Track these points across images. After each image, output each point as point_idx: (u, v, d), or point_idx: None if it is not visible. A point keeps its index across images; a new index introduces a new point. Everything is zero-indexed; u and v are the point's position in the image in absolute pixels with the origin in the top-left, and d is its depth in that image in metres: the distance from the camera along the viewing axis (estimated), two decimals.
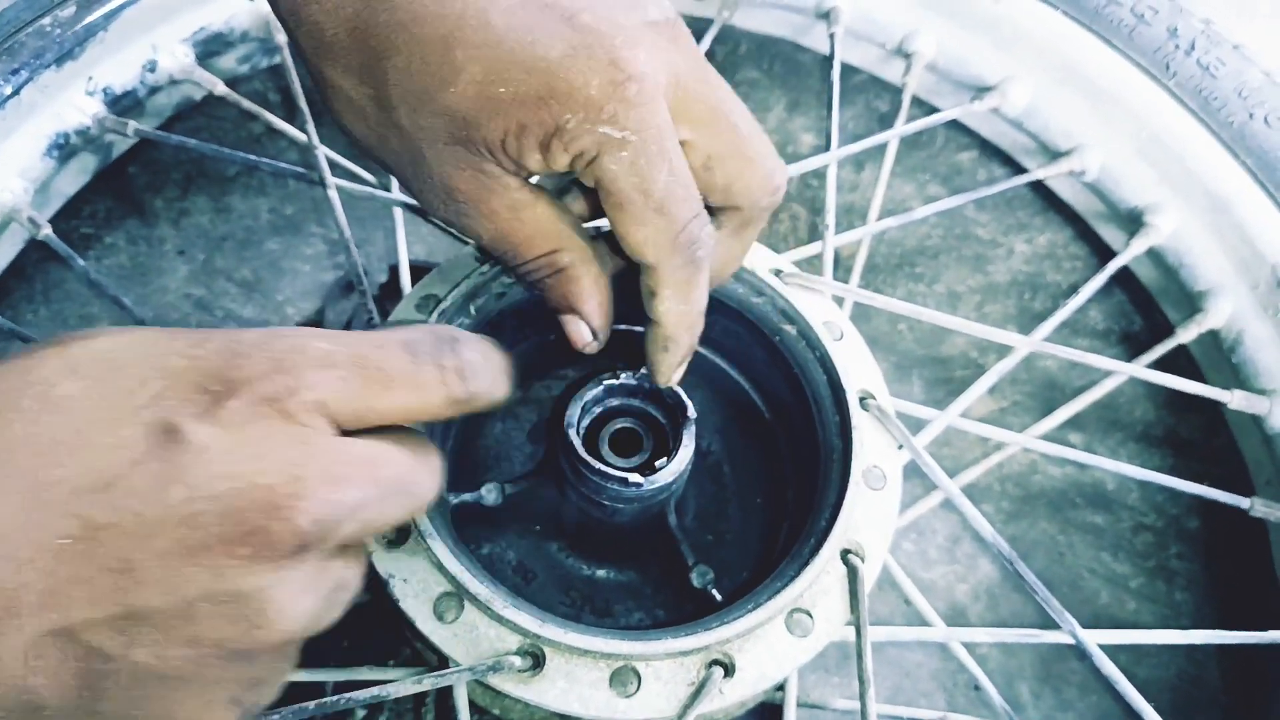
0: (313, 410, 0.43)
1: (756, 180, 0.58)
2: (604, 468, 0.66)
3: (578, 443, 0.67)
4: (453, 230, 0.58)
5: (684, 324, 0.60)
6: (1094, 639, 0.72)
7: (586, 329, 0.60)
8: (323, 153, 0.87)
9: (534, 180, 0.57)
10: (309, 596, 0.43)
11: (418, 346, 0.47)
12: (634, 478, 0.66)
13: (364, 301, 0.78)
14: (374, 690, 0.63)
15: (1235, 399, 0.86)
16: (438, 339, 0.48)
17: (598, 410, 0.71)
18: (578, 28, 0.51)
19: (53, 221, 0.94)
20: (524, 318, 0.80)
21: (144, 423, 0.40)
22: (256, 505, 0.40)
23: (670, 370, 0.63)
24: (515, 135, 0.51)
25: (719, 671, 0.63)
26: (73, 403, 0.40)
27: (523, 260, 0.57)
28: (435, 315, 0.73)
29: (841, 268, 1.03)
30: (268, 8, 0.96)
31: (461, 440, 0.82)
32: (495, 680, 0.61)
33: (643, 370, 0.70)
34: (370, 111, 0.54)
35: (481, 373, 0.49)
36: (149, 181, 1.08)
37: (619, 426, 0.71)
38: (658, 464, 0.67)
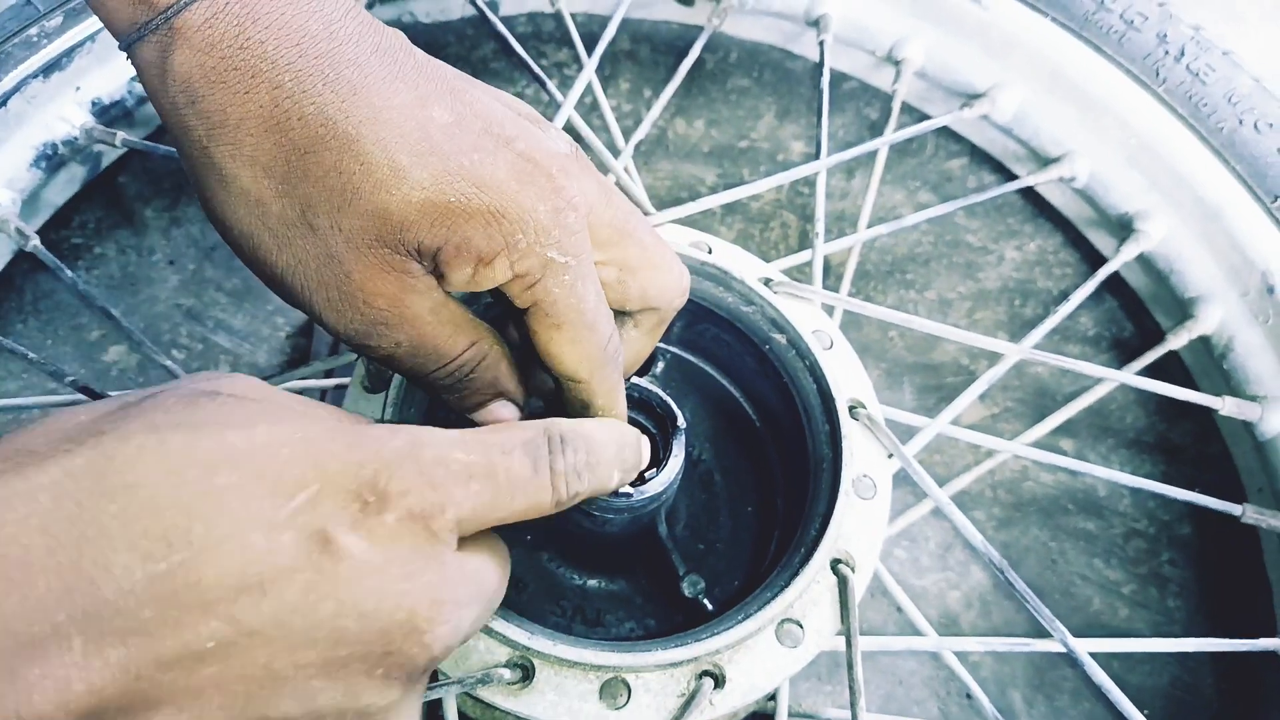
0: (453, 528, 0.44)
1: (669, 283, 0.61)
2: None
3: None
4: (353, 349, 0.54)
5: (618, 419, 0.62)
6: (1085, 647, 0.71)
7: (513, 407, 0.59)
8: None
9: None
10: (419, 710, 0.46)
11: (537, 450, 0.48)
12: (624, 487, 0.66)
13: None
14: None
15: (1226, 405, 0.86)
16: (549, 439, 0.49)
17: None
18: (519, 153, 0.51)
19: (42, 232, 0.94)
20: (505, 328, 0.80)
21: (299, 528, 0.40)
22: (400, 627, 0.41)
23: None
24: (455, 247, 0.50)
25: (709, 683, 0.63)
26: (231, 497, 0.39)
27: (448, 359, 0.55)
28: None
29: (832, 275, 1.03)
30: None
31: None
32: (484, 693, 0.61)
33: (633, 378, 0.70)
34: (273, 209, 0.49)
35: (584, 472, 0.51)
36: (139, 191, 1.08)
37: None
38: (648, 474, 0.67)
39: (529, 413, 0.61)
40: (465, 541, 0.46)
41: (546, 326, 0.54)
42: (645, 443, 0.58)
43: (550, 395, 0.62)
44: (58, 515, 0.37)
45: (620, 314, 0.62)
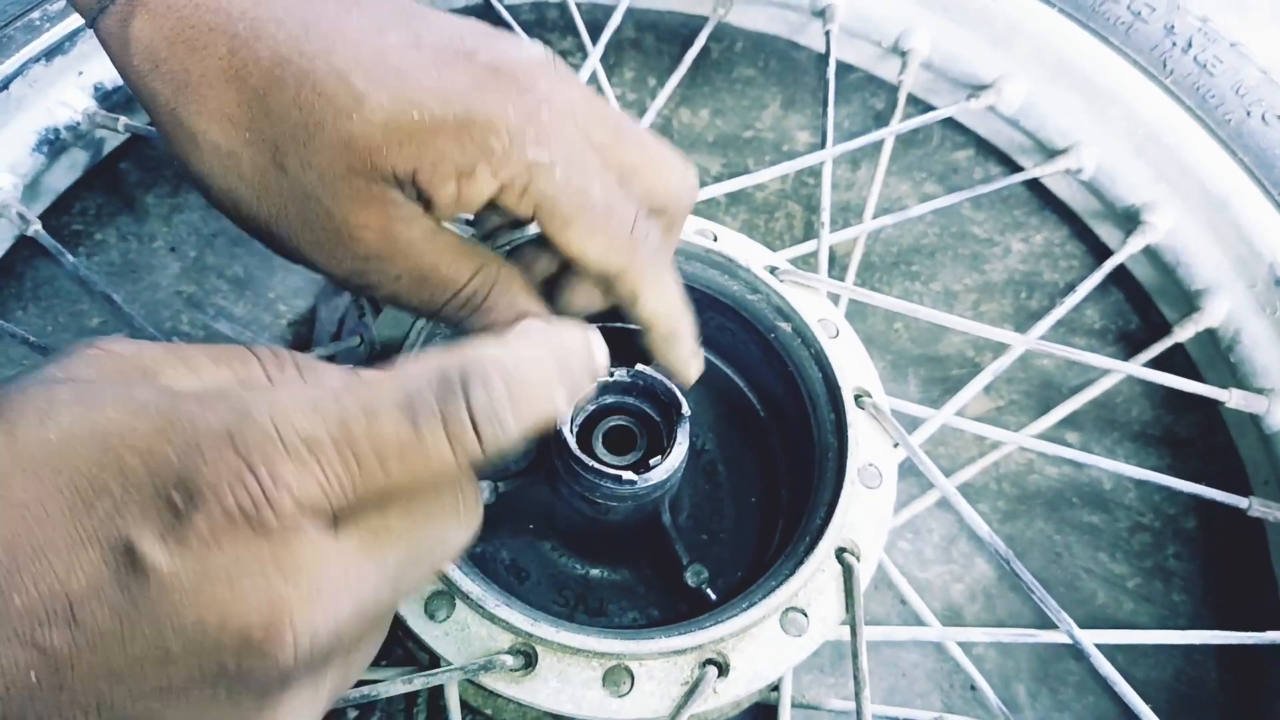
0: (293, 514, 0.37)
1: (674, 181, 0.57)
2: (598, 466, 0.66)
3: (571, 441, 0.67)
4: (355, 292, 0.53)
5: (675, 313, 0.59)
6: (1091, 639, 0.71)
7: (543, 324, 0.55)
8: None
9: None
10: (305, 714, 0.40)
11: (417, 402, 0.38)
12: (628, 476, 0.66)
13: (357, 297, 0.78)
14: (365, 690, 0.62)
15: (1233, 398, 0.85)
16: (445, 381, 0.39)
17: (591, 408, 0.70)
18: (478, 64, 0.50)
19: (43, 218, 0.93)
20: None
21: (104, 544, 0.35)
22: (231, 646, 0.36)
23: (688, 363, 0.62)
24: (432, 163, 0.48)
25: (713, 671, 0.62)
26: (28, 512, 0.35)
27: (456, 288, 0.53)
28: None
29: (837, 266, 1.03)
30: None
31: None
32: (487, 680, 0.61)
33: (637, 367, 0.69)
34: (245, 158, 0.49)
35: (503, 413, 0.40)
36: (141, 178, 1.08)
37: (613, 424, 0.70)
38: (652, 462, 0.67)
39: None
40: (345, 522, 0.39)
41: (558, 226, 0.52)
42: (596, 342, 0.46)
43: (590, 306, 0.60)
44: None
45: None
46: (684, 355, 0.61)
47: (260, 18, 0.48)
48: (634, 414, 0.70)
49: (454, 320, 0.55)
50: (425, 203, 0.50)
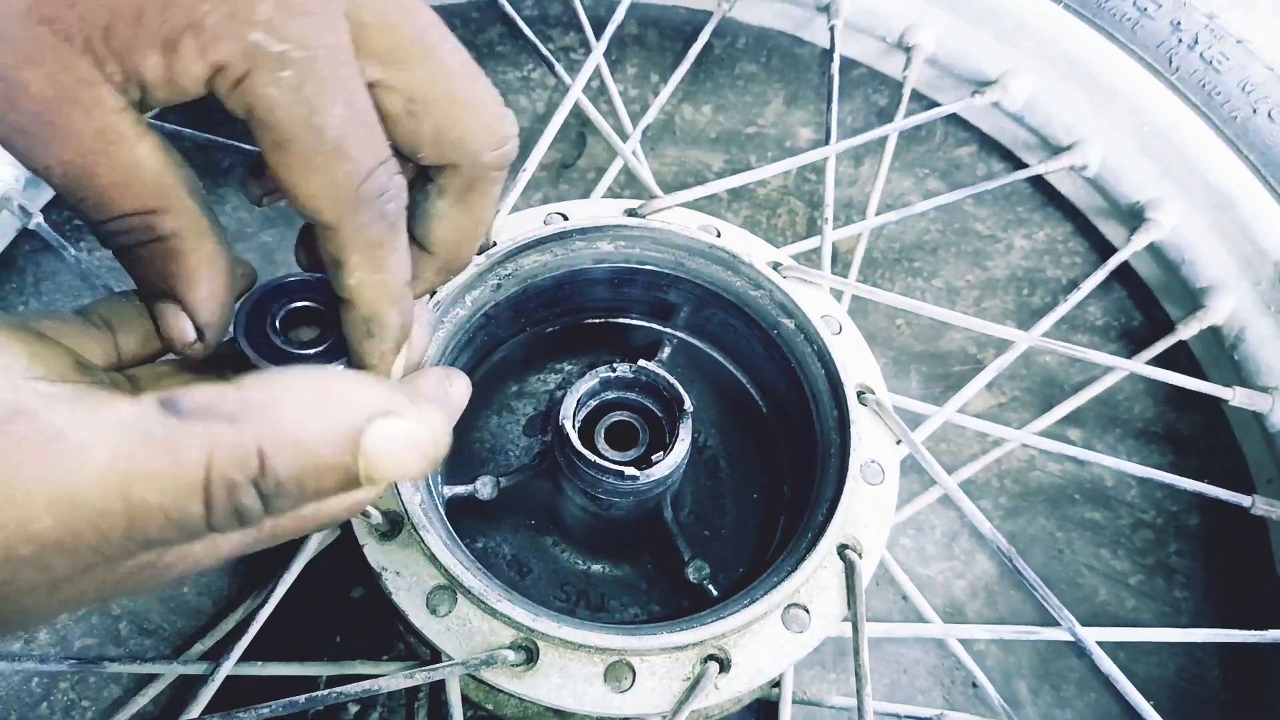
0: None
1: (474, 128, 0.45)
2: (600, 461, 0.66)
3: (574, 436, 0.67)
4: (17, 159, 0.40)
5: (385, 298, 0.45)
6: (1092, 636, 0.71)
7: (188, 324, 0.44)
8: None
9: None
10: None
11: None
12: (630, 471, 0.66)
13: None
14: (366, 684, 0.62)
15: (1236, 396, 0.85)
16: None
17: (593, 404, 0.70)
18: None
19: (45, 211, 0.93)
20: (520, 309, 0.80)
21: None
22: None
23: (385, 359, 0.48)
24: (129, 23, 0.37)
25: (714, 667, 0.62)
26: None
27: (109, 214, 0.41)
28: (429, 307, 0.72)
29: (840, 262, 1.03)
30: None
31: (456, 433, 0.81)
32: (488, 674, 0.61)
33: (640, 362, 0.69)
34: None
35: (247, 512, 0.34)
36: None
37: (615, 420, 0.70)
38: (654, 457, 0.67)
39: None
40: None
41: (270, 145, 0.40)
42: (453, 394, 0.42)
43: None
44: None
45: (423, 173, 0.48)
46: (378, 349, 0.47)
47: None
48: (636, 409, 0.70)
49: (106, 245, 0.43)
50: (126, 73, 0.38)
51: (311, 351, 0.47)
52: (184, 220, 0.42)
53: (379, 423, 0.35)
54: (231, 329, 0.46)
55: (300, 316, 0.48)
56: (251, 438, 0.33)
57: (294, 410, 0.34)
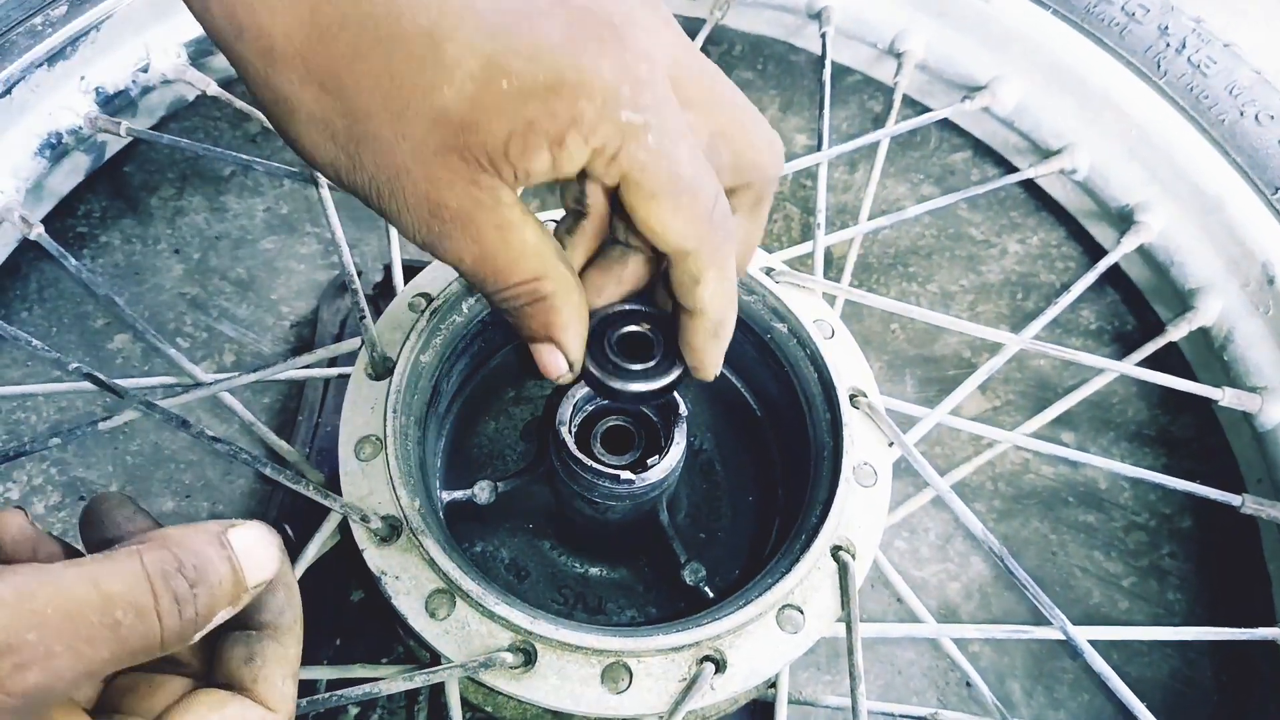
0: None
1: (762, 150, 0.54)
2: (596, 465, 0.66)
3: (570, 441, 0.67)
4: (429, 255, 0.51)
5: (730, 302, 0.55)
6: (1085, 635, 0.72)
7: (563, 359, 0.55)
8: None
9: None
10: None
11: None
12: (626, 475, 0.66)
13: (357, 299, 0.78)
14: (366, 687, 0.63)
15: (1226, 396, 0.86)
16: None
17: (589, 408, 0.71)
18: (573, 8, 0.46)
19: (49, 220, 0.94)
20: None
21: None
22: None
23: (718, 360, 0.59)
24: (522, 135, 0.46)
25: (710, 668, 0.63)
26: None
27: (505, 285, 0.52)
28: (427, 314, 0.73)
29: (833, 268, 1.04)
30: None
31: (454, 439, 0.82)
32: (487, 677, 0.61)
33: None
34: (338, 126, 0.47)
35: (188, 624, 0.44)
36: (145, 181, 1.09)
37: (611, 424, 0.71)
38: (649, 461, 0.67)
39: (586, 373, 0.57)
40: None
41: (642, 199, 0.49)
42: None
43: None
44: None
45: None
46: (719, 350, 0.58)
47: None
48: (632, 414, 0.71)
49: (497, 309, 0.54)
50: (524, 176, 0.48)
51: (648, 366, 0.58)
52: (559, 282, 0.52)
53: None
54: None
55: (626, 341, 0.59)
56: None
57: None
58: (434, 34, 0.45)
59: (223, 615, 0.45)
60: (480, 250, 0.50)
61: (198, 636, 0.45)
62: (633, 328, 0.59)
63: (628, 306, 0.59)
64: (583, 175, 0.49)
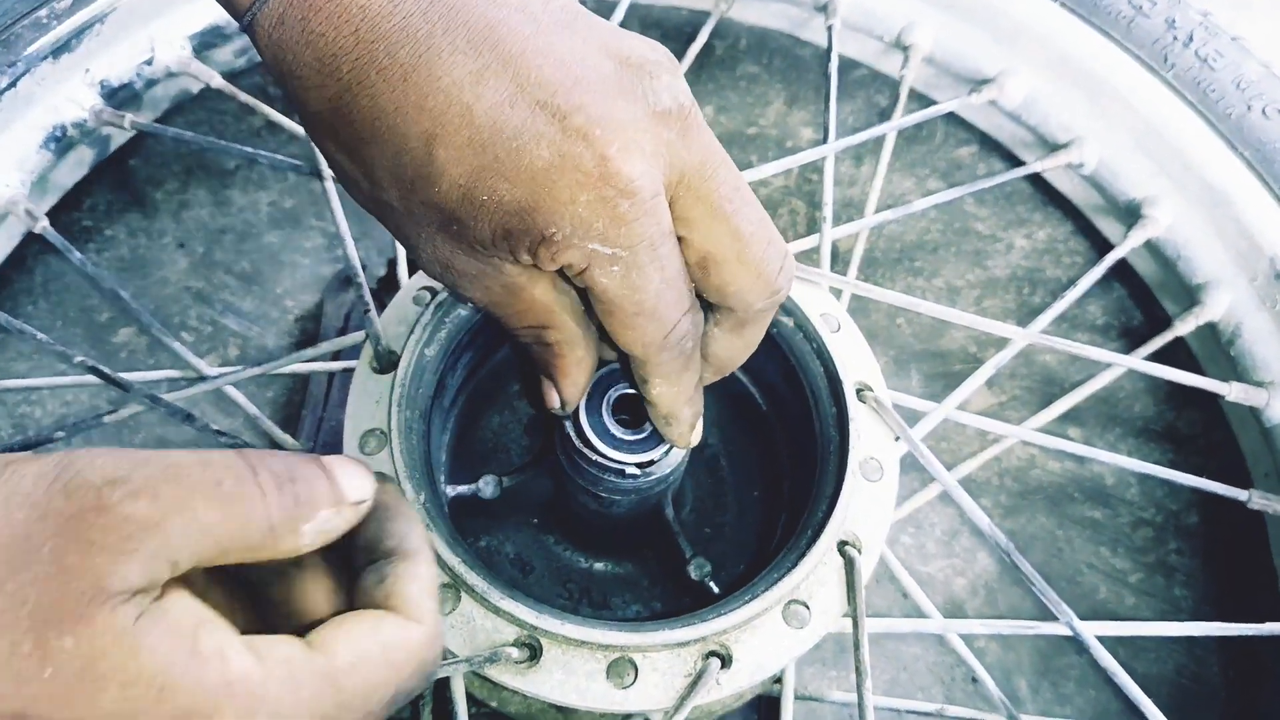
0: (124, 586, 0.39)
1: (751, 285, 0.55)
2: (601, 460, 0.66)
3: (574, 436, 0.67)
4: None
5: (678, 402, 0.59)
6: (1091, 630, 0.71)
7: (557, 398, 0.60)
8: None
9: None
10: None
11: None
12: (631, 469, 0.66)
13: (362, 293, 0.78)
14: None
15: (1233, 391, 0.86)
16: (398, 695, 0.45)
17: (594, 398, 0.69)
18: (569, 131, 0.48)
19: (54, 213, 0.94)
20: None
21: None
22: None
23: (683, 436, 0.62)
24: (504, 238, 0.50)
25: (716, 663, 0.63)
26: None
27: (514, 326, 0.57)
28: (431, 307, 0.73)
29: (840, 261, 1.03)
30: None
31: (458, 433, 0.82)
32: (492, 672, 0.61)
33: None
34: (364, 186, 0.53)
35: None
36: (149, 174, 1.08)
37: (620, 393, 0.68)
38: (655, 456, 0.67)
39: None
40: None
41: (600, 310, 0.53)
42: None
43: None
44: None
45: (706, 305, 0.58)
46: (676, 431, 0.62)
47: (363, 60, 0.48)
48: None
49: (518, 341, 0.58)
50: (516, 258, 0.52)
51: (637, 438, 0.64)
52: (564, 334, 0.56)
53: None
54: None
55: (625, 402, 0.64)
56: None
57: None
58: (429, 138, 0.48)
59: (328, 519, 0.45)
60: (489, 299, 0.55)
61: (307, 535, 0.44)
62: (634, 392, 0.62)
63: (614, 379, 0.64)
64: None
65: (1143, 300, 1.05)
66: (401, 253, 0.87)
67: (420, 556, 0.48)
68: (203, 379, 0.80)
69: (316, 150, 0.55)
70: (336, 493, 0.45)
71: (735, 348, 0.60)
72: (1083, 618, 0.72)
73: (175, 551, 0.39)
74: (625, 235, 0.49)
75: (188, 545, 0.39)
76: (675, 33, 1.16)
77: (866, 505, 0.70)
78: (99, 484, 0.38)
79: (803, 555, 0.67)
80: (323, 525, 0.44)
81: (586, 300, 0.55)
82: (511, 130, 0.48)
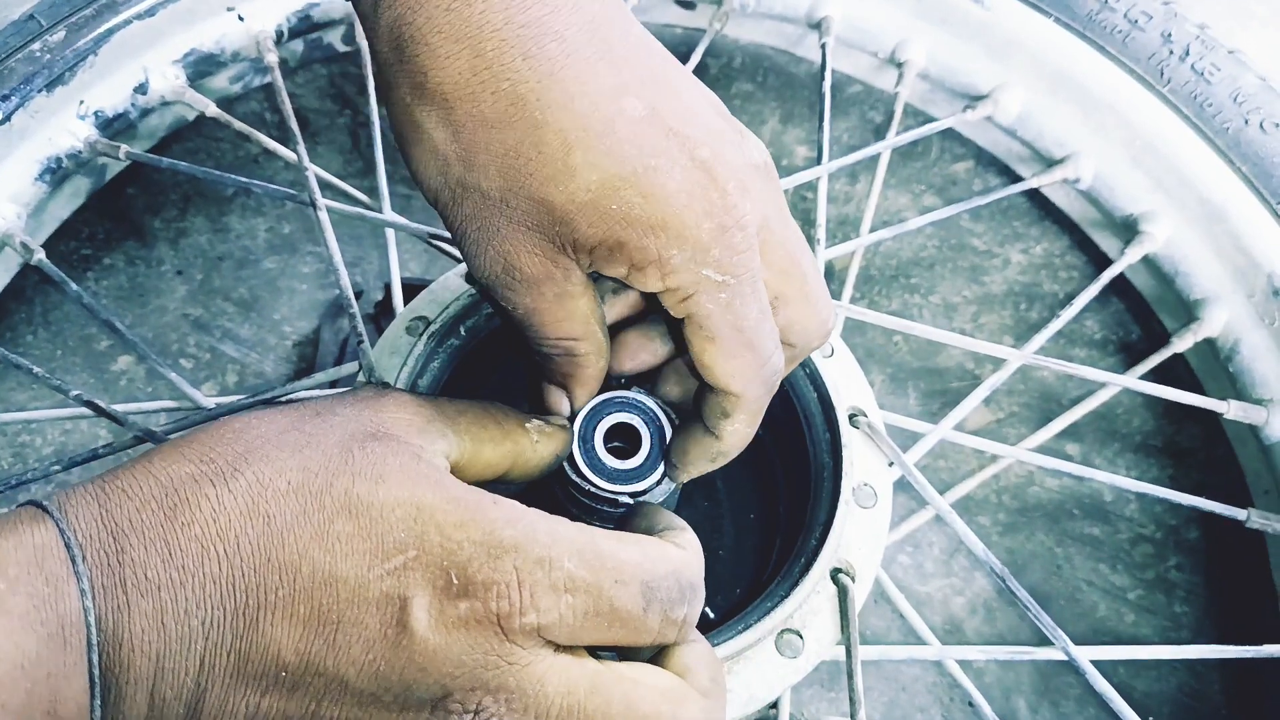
0: (529, 633, 0.45)
1: (814, 324, 0.58)
2: (594, 490, 0.66)
3: (565, 464, 0.67)
4: (482, 292, 0.59)
5: (743, 444, 0.60)
6: (1087, 655, 0.71)
7: (568, 405, 0.61)
8: (313, 173, 0.87)
9: None
10: None
11: (656, 593, 0.48)
12: (624, 499, 0.66)
13: (354, 324, 0.78)
14: None
15: (1231, 409, 0.85)
16: (680, 586, 0.49)
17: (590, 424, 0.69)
18: (697, 162, 0.51)
19: (52, 242, 0.95)
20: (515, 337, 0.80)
21: (384, 591, 0.44)
22: (434, 706, 0.44)
23: (699, 474, 0.63)
24: (610, 248, 0.51)
25: None
26: (338, 545, 0.44)
27: (546, 337, 0.57)
28: (425, 337, 0.73)
29: (836, 280, 1.03)
30: (259, 28, 0.97)
31: None
32: None
33: (633, 387, 0.69)
34: (454, 169, 0.52)
35: (693, 622, 0.51)
36: (147, 202, 1.09)
37: (616, 421, 0.68)
38: (647, 485, 0.67)
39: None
40: (562, 651, 0.47)
41: (701, 339, 0.54)
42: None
43: (682, 401, 0.63)
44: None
45: None
46: (705, 469, 0.63)
47: (509, 41, 0.49)
48: (638, 408, 0.69)
49: (530, 349, 0.59)
50: (594, 269, 0.54)
51: (629, 468, 0.63)
52: (592, 347, 0.58)
53: None
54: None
55: (619, 430, 0.64)
56: None
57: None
58: (568, 138, 0.49)
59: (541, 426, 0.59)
60: (535, 307, 0.55)
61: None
62: (629, 420, 0.63)
63: (634, 397, 0.64)
64: None
65: (1141, 315, 1.04)
66: (397, 278, 0.87)
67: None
68: (198, 410, 0.80)
69: (402, 126, 0.53)
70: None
71: None
72: (1082, 636, 0.72)
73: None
74: (736, 264, 0.51)
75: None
76: (672, 51, 1.16)
77: (860, 532, 0.70)
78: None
79: (795, 584, 0.67)
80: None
81: (677, 335, 0.58)
82: (650, 148, 0.50)
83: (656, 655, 0.51)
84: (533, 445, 0.58)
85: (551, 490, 0.69)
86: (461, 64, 0.49)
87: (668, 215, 0.50)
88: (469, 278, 0.74)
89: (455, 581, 0.44)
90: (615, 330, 0.62)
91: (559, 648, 0.47)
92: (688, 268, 0.51)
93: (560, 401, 0.61)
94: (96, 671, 0.40)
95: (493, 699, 0.44)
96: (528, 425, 0.58)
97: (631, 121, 0.50)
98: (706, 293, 0.52)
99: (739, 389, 0.55)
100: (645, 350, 0.62)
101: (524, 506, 0.49)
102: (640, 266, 0.51)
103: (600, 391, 0.63)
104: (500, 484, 0.57)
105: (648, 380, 0.65)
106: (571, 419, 0.63)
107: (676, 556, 0.51)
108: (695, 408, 0.60)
